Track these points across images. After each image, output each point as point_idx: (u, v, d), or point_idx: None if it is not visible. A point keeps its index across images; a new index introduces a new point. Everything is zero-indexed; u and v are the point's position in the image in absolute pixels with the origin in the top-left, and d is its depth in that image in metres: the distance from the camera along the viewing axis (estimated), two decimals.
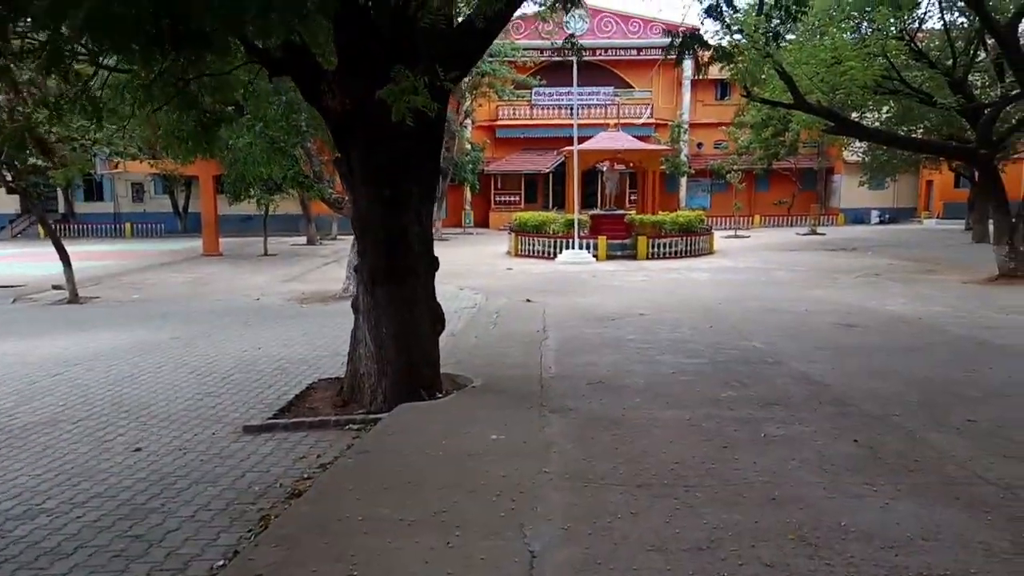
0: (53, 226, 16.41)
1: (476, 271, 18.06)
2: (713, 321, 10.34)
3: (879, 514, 3.79)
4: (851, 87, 14.91)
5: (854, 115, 19.29)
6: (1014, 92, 15.37)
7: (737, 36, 12.65)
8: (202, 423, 6.20)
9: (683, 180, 36.77)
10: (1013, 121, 17.78)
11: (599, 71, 36.06)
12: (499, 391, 6.56)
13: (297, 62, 5.86)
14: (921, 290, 13.41)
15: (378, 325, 6.18)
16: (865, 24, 16.18)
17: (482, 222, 36.53)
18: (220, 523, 4.11)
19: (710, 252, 22.36)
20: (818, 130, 20.59)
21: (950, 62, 16.83)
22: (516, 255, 22.29)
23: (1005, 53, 14.21)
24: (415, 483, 4.22)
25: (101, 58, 4.90)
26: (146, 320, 12.16)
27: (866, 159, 29.65)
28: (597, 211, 24.32)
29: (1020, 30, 14.03)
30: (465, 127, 31.84)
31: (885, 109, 22.25)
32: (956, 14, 18.30)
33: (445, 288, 14.05)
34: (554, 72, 31.64)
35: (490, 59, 27.15)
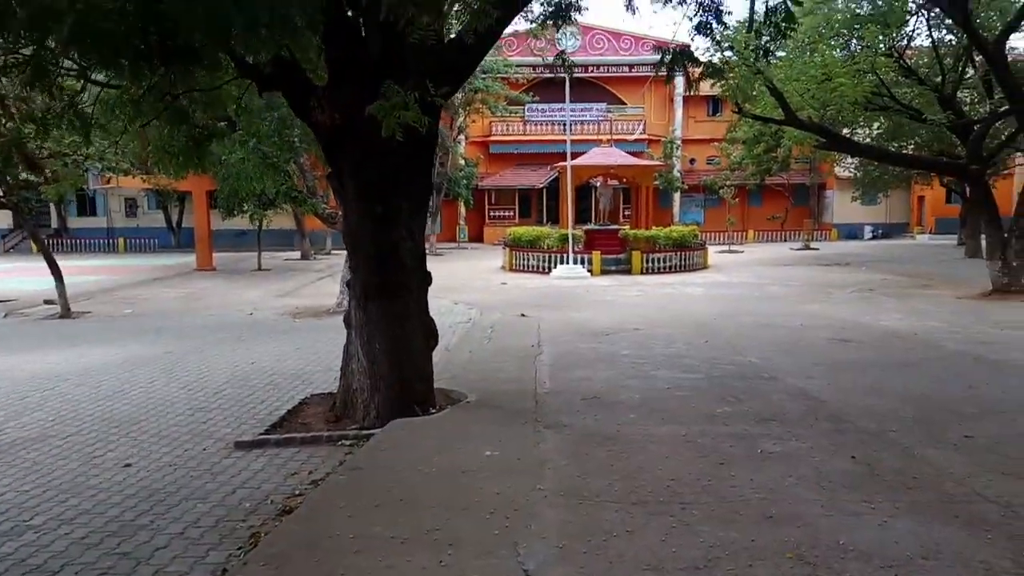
0: (46, 241, 16.34)
1: (470, 286, 18.03)
2: (708, 336, 10.32)
3: (877, 532, 3.75)
4: (842, 103, 15.04)
5: (845, 131, 19.43)
6: (1003, 108, 15.53)
7: (728, 53, 12.77)
8: (193, 439, 6.13)
9: (676, 195, 36.93)
10: (1003, 137, 17.93)
11: (592, 87, 36.32)
12: (493, 406, 6.51)
13: (287, 77, 5.86)
14: (915, 305, 13.43)
15: (371, 340, 6.13)
16: (854, 41, 16.38)
17: (476, 237, 36.56)
18: (209, 540, 4.04)
19: (704, 267, 22.39)
20: (810, 146, 20.77)
21: (939, 79, 17.02)
22: (510, 270, 22.28)
23: (993, 70, 14.37)
24: (408, 500, 4.16)
25: (89, 73, 4.87)
26: (138, 335, 12.06)
27: (858, 175, 29.86)
28: (591, 226, 24.35)
29: (1007, 47, 14.18)
30: (459, 143, 31.96)
31: (876, 125, 22.45)
32: (944, 32, 18.51)
33: (439, 303, 14.03)
34: (547, 88, 31.85)
35: (483, 75, 27.31)
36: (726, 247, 30.27)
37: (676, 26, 33.38)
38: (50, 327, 13.49)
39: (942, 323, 11.28)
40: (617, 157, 24.87)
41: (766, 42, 7.89)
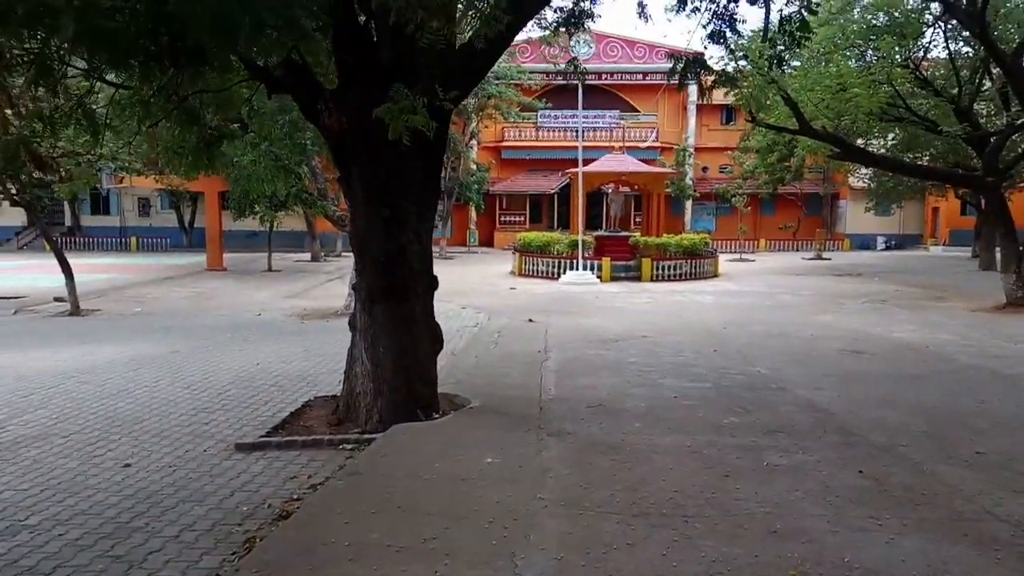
0: (59, 239, 16.46)
1: (479, 290, 17.99)
2: (717, 345, 10.22)
3: (884, 550, 3.66)
4: (856, 113, 14.90)
5: (860, 141, 19.27)
6: (1020, 121, 15.36)
7: (742, 62, 12.68)
8: (194, 439, 6.10)
9: (688, 203, 36.81)
10: (1019, 150, 17.73)
11: (605, 95, 36.27)
12: (497, 412, 6.45)
13: (297, 80, 5.85)
14: (928, 317, 13.26)
15: (375, 344, 6.09)
16: (870, 52, 16.23)
17: (487, 241, 36.54)
18: (204, 544, 4.00)
19: (715, 275, 22.25)
20: (823, 156, 20.60)
21: (955, 90, 16.83)
22: (520, 275, 22.23)
23: (1011, 82, 14.21)
24: (406, 508, 4.11)
25: (99, 73, 4.87)
26: (146, 334, 12.10)
27: (872, 185, 29.62)
28: (602, 232, 24.26)
29: None
30: (471, 147, 31.99)
31: (891, 136, 22.26)
32: (961, 43, 18.32)
33: (447, 307, 14.00)
34: (560, 95, 31.82)
35: (497, 81, 27.34)
36: (737, 256, 30.09)
37: (690, 34, 33.32)
38: (59, 324, 13.56)
39: (955, 336, 11.13)
40: (629, 164, 24.79)
41: (780, 51, 7.83)
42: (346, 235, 23.40)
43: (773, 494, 4.42)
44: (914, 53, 16.94)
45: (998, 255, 17.01)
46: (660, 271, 21.02)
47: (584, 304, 15.40)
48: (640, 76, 36.13)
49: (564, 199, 33.21)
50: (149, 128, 6.24)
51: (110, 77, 5.70)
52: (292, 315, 14.35)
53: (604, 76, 35.62)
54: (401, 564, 3.43)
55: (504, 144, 36.70)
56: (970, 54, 18.33)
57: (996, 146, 15.57)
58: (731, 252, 30.77)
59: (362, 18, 5.95)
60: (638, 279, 20.79)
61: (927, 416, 6.39)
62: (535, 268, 21.94)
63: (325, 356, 9.67)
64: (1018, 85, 13.63)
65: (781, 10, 7.03)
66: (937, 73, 18.86)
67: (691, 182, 36.13)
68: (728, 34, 7.25)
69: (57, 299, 15.66)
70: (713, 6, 7.03)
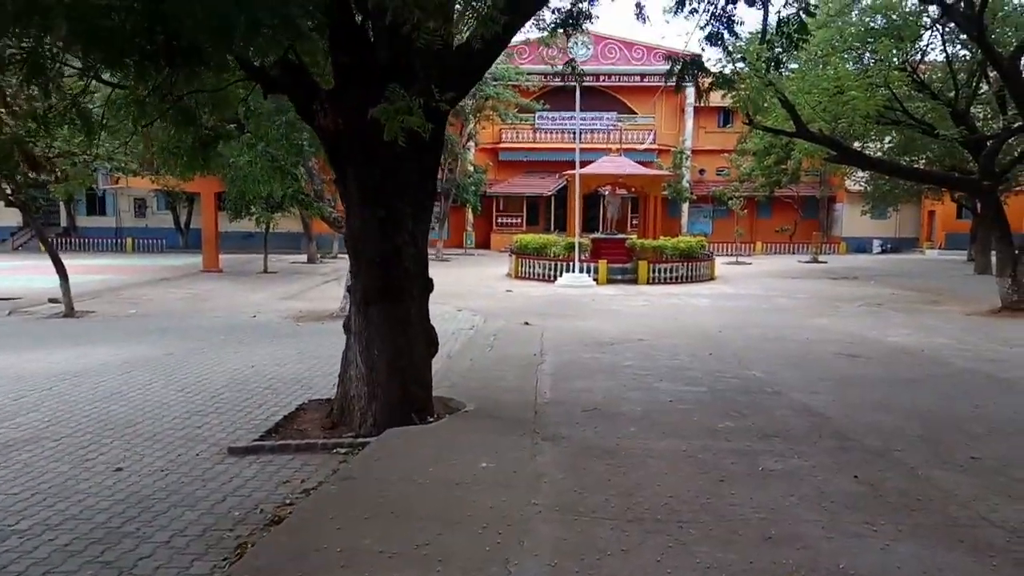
0: (54, 239, 16.36)
1: (476, 292, 17.96)
2: (713, 348, 10.21)
3: (879, 556, 3.65)
4: (853, 116, 14.91)
5: (856, 144, 19.27)
6: (1016, 124, 15.37)
7: (739, 64, 12.68)
8: (187, 443, 6.06)
9: (685, 206, 36.81)
10: (1016, 153, 17.74)
11: (603, 96, 36.27)
12: (492, 416, 6.43)
13: (293, 80, 5.82)
14: (924, 321, 13.27)
15: (370, 347, 6.06)
16: (867, 55, 16.24)
17: (484, 243, 36.51)
18: (195, 550, 3.96)
19: (711, 278, 22.25)
20: (820, 159, 20.60)
21: (952, 94, 16.87)
22: (516, 277, 22.21)
23: (1008, 85, 14.23)
24: (399, 513, 4.07)
25: (93, 72, 4.83)
26: (141, 336, 12.04)
27: (868, 188, 29.66)
28: (598, 235, 24.26)
29: (1022, 63, 14.04)
30: (468, 149, 31.94)
31: (887, 139, 22.28)
32: (958, 47, 18.35)
33: (443, 309, 13.96)
34: (557, 97, 31.81)
35: (494, 82, 27.31)
36: (734, 258, 30.10)
37: (688, 36, 33.35)
38: (53, 326, 13.49)
39: (950, 340, 11.13)
40: (626, 166, 24.80)
41: (778, 53, 7.82)
42: (342, 237, 23.37)
43: (768, 499, 4.40)
44: (911, 56, 16.96)
45: (994, 259, 17.02)
46: (656, 274, 21.01)
47: (580, 307, 15.38)
48: (638, 78, 36.16)
49: (561, 201, 33.19)
50: (144, 128, 6.21)
51: (105, 76, 5.67)
52: (287, 317, 14.30)
53: (602, 78, 35.62)
54: (394, 570, 3.40)
55: (501, 146, 36.69)
56: (967, 57, 18.35)
57: (992, 150, 15.59)
58: (727, 255, 30.78)
59: (359, 18, 5.93)
60: (634, 282, 20.79)
61: (922, 420, 6.38)
62: (531, 270, 21.92)
63: (320, 358, 9.63)
64: (1015, 88, 13.65)
65: (779, 12, 7.03)
66: (934, 76, 18.87)
67: (688, 184, 36.14)
68: (726, 36, 7.24)
69: (52, 300, 15.59)
70: (711, 8, 7.03)
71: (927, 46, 17.89)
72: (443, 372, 8.19)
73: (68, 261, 15.59)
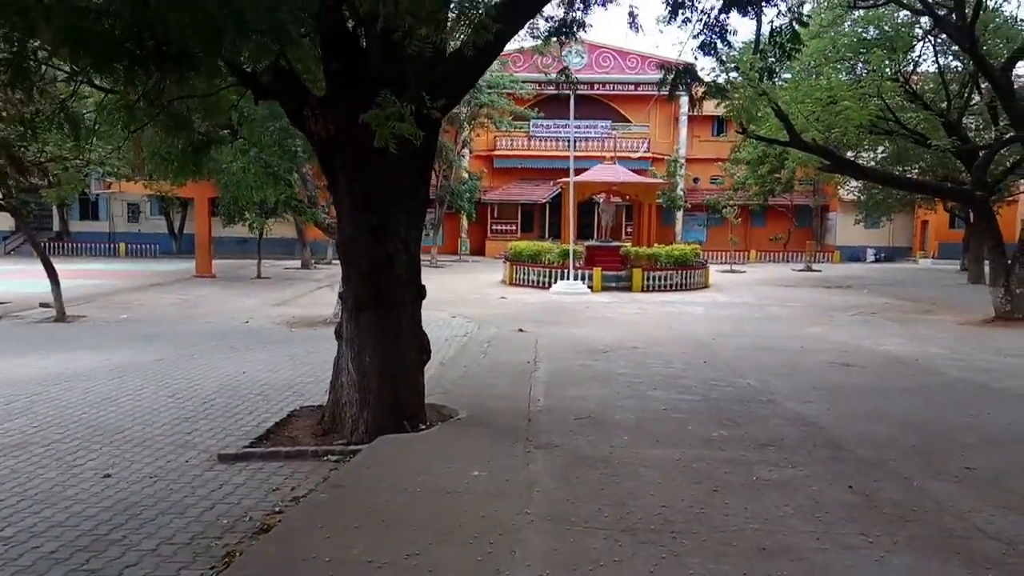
0: (46, 244, 16.25)
1: (469, 299, 17.92)
2: (707, 356, 10.20)
3: (874, 568, 3.62)
4: (847, 126, 14.99)
5: (850, 154, 19.38)
6: (1008, 135, 15.47)
7: (733, 74, 12.73)
8: (176, 449, 5.99)
9: (679, 214, 36.92)
10: (1008, 164, 17.86)
11: (597, 105, 36.39)
12: (484, 424, 6.38)
13: (284, 86, 5.79)
14: (917, 330, 13.29)
15: (361, 354, 6.02)
16: (860, 65, 16.34)
17: (478, 250, 36.50)
18: (182, 558, 3.90)
19: (705, 286, 22.27)
20: (814, 168, 20.70)
21: (944, 104, 16.98)
22: (511, 284, 22.18)
23: (999, 96, 14.33)
24: (389, 522, 4.02)
25: (81, 77, 4.79)
26: (132, 341, 11.95)
27: (862, 198, 29.79)
28: (593, 242, 24.26)
29: (1014, 74, 14.15)
30: (463, 156, 31.98)
31: (880, 149, 22.39)
32: (950, 58, 18.50)
33: (437, 316, 13.92)
34: (552, 105, 31.90)
35: (489, 90, 27.37)
36: (728, 267, 30.17)
37: (682, 45, 33.53)
38: (44, 331, 13.38)
39: (944, 349, 11.14)
40: (620, 174, 24.84)
41: (771, 63, 7.85)
42: (336, 243, 23.36)
43: (762, 510, 4.37)
44: (904, 67, 17.08)
45: (986, 268, 17.10)
46: (651, 281, 21.02)
47: (574, 314, 15.36)
48: (632, 87, 36.28)
49: (556, 208, 33.23)
50: (134, 133, 6.17)
51: (95, 81, 5.63)
52: (280, 323, 14.23)
53: (596, 86, 35.75)
54: None
55: (496, 153, 36.73)
56: (959, 68, 18.50)
57: (985, 160, 15.68)
58: (721, 263, 30.85)
59: (351, 24, 5.91)
60: (629, 289, 20.79)
61: (916, 430, 6.37)
62: (526, 277, 21.90)
63: (312, 365, 9.57)
64: (1007, 99, 13.75)
65: (772, 22, 7.06)
66: (927, 87, 19.01)
67: (682, 193, 36.27)
68: (719, 45, 7.26)
69: (43, 305, 15.47)
70: (704, 17, 7.04)
71: (919, 57, 18.06)
72: (436, 379, 8.14)
73: (60, 266, 15.49)
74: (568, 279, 20.50)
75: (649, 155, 35.72)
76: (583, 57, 34.53)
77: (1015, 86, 14.32)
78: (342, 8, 5.59)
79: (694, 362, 9.72)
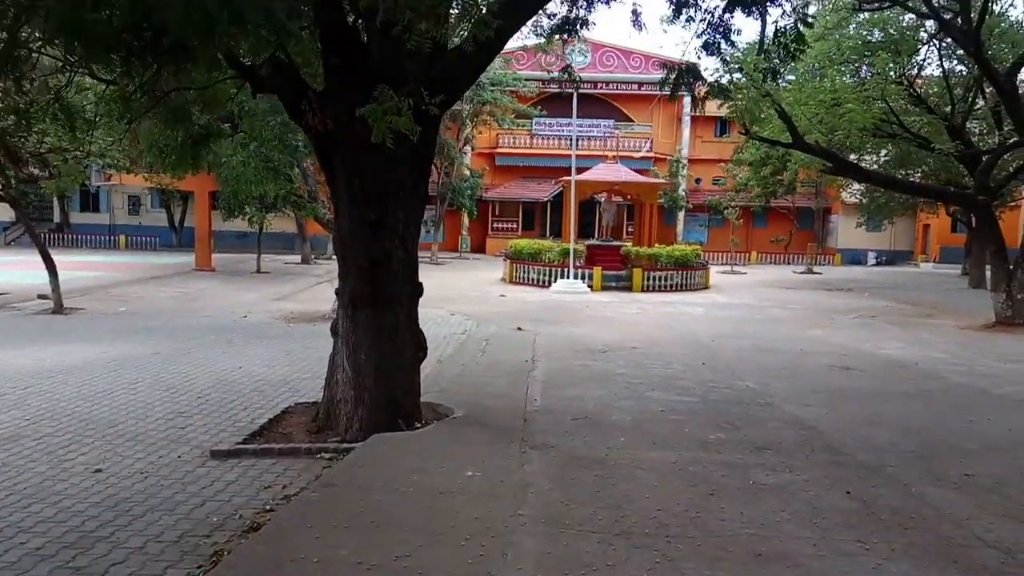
0: (46, 235, 16.20)
1: (469, 297, 17.87)
2: (706, 358, 10.14)
3: None
4: (850, 129, 14.91)
5: (852, 157, 19.30)
6: (1012, 140, 15.39)
7: (737, 75, 12.67)
8: (169, 445, 5.94)
9: (681, 214, 36.87)
10: (1011, 169, 17.77)
11: (600, 104, 36.32)
12: (480, 423, 6.33)
13: (283, 79, 5.73)
14: (918, 334, 13.23)
15: (357, 351, 5.96)
16: (864, 68, 16.26)
17: (479, 248, 36.45)
18: (170, 557, 3.85)
19: (705, 287, 22.21)
20: (816, 170, 20.64)
21: (948, 108, 16.90)
22: (511, 282, 22.13)
23: (1004, 101, 14.25)
24: (380, 523, 3.97)
25: (77, 67, 4.74)
26: (129, 334, 11.90)
27: (864, 201, 29.72)
28: (593, 241, 24.21)
29: (1018, 79, 14.07)
30: (465, 153, 31.91)
31: (883, 152, 22.32)
32: (955, 62, 18.41)
33: (436, 313, 13.87)
34: (555, 103, 31.82)
35: (492, 87, 27.31)
36: (729, 268, 30.11)
37: (686, 45, 33.49)
38: (41, 322, 13.34)
39: (944, 354, 11.09)
40: (622, 174, 24.78)
41: (775, 64, 7.78)
42: None
43: (759, 515, 4.32)
44: (908, 70, 16.99)
45: (988, 273, 17.03)
46: (651, 282, 20.97)
47: (574, 313, 15.30)
48: (635, 86, 36.21)
49: (557, 207, 33.17)
50: (131, 125, 6.12)
51: (92, 72, 5.57)
52: (278, 318, 14.18)
53: (599, 85, 35.68)
54: None
55: (498, 151, 36.67)
56: (964, 72, 18.41)
57: (988, 165, 15.61)
58: (722, 264, 30.78)
59: (351, 19, 5.85)
60: (629, 289, 20.73)
61: (916, 436, 6.32)
62: (526, 276, 21.85)
63: (309, 361, 9.52)
64: (1011, 104, 13.67)
65: (776, 22, 6.99)
66: (931, 91, 18.91)
67: (684, 193, 36.22)
68: (723, 45, 7.20)
69: (41, 296, 15.42)
70: (708, 17, 6.98)
71: (924, 60, 17.96)
72: (433, 377, 8.10)
73: (60, 257, 15.44)
74: (568, 278, 20.44)
75: (651, 155, 35.67)
76: (586, 56, 34.46)
77: (1020, 91, 14.23)
78: (342, 2, 5.54)
79: (693, 363, 9.67)
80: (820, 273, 29.84)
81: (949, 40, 15.98)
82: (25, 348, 10.39)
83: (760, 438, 6.07)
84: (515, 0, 5.90)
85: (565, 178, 24.64)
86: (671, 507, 4.39)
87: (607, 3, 7.29)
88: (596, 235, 25.83)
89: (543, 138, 36.14)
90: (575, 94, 19.59)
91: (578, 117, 22.21)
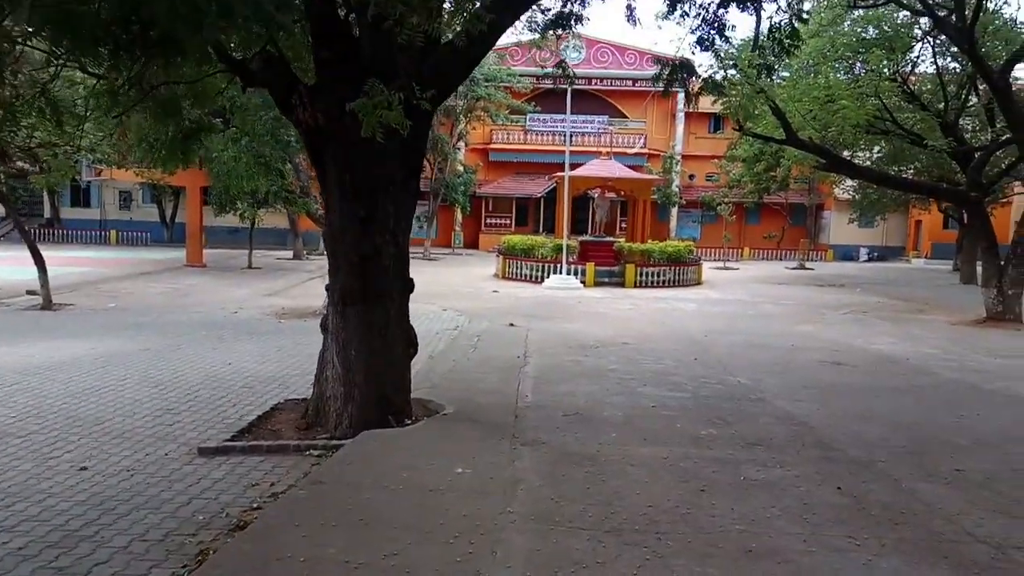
0: (36, 230, 16.05)
1: (462, 292, 17.82)
2: (698, 353, 10.13)
3: (862, 572, 3.55)
4: (843, 125, 14.93)
5: (846, 153, 19.32)
6: (1004, 137, 15.43)
7: (731, 71, 12.64)
8: (156, 442, 5.89)
9: (674, 210, 36.86)
10: (1003, 165, 17.84)
11: (594, 100, 36.27)
12: (471, 420, 6.30)
13: (272, 73, 5.67)
14: (909, 330, 13.26)
15: (347, 347, 5.92)
16: (859, 65, 16.27)
17: (472, 243, 36.37)
18: (155, 556, 3.80)
19: (698, 283, 22.22)
20: (809, 166, 20.65)
21: (942, 105, 16.94)
22: (503, 278, 22.09)
23: (997, 98, 14.28)
24: (369, 520, 3.93)
25: (63, 60, 4.66)
26: (118, 330, 11.81)
27: (856, 197, 29.79)
28: (587, 237, 24.18)
29: (1012, 76, 14.09)
30: (458, 148, 31.82)
31: (876, 149, 22.37)
32: (948, 59, 18.45)
33: (428, 308, 13.83)
34: (549, 99, 31.75)
35: (486, 83, 27.22)
36: (721, 264, 30.15)
37: (681, 42, 33.40)
38: (29, 318, 13.22)
39: (935, 349, 11.11)
40: (616, 169, 24.75)
41: (770, 60, 7.76)
42: None
43: (749, 511, 4.30)
44: (902, 67, 17.03)
45: (979, 269, 17.08)
46: (644, 277, 20.97)
47: (567, 309, 15.28)
48: (630, 82, 36.15)
49: (550, 203, 33.11)
50: (118, 118, 6.04)
51: (77, 65, 5.50)
52: (270, 314, 14.10)
53: (594, 81, 35.62)
54: None
55: (492, 146, 36.57)
56: (957, 70, 18.45)
57: (980, 162, 15.65)
58: (715, 260, 30.82)
59: (343, 12, 5.80)
60: (622, 285, 20.72)
61: (906, 431, 6.32)
62: (519, 271, 21.82)
63: (300, 357, 9.46)
64: (1004, 101, 13.69)
65: (771, 18, 6.97)
66: (924, 88, 18.97)
67: (677, 189, 36.19)
68: (717, 41, 7.17)
69: (30, 292, 15.28)
70: (702, 12, 6.95)
71: (918, 58, 18.02)
72: (424, 373, 8.06)
73: (50, 253, 15.29)
74: (561, 274, 20.42)
75: (645, 151, 35.63)
76: (581, 52, 34.41)
77: (1013, 88, 14.25)
78: None
79: (685, 359, 9.66)
80: (812, 269, 29.91)
81: (943, 37, 16.00)
82: (13, 344, 10.29)
83: (751, 434, 6.06)
84: None
85: (559, 174, 24.59)
86: (662, 503, 4.37)
87: None
88: (589, 231, 25.78)
89: (537, 134, 36.06)
90: (569, 90, 19.52)
91: (572, 113, 22.19)
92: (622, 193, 26.49)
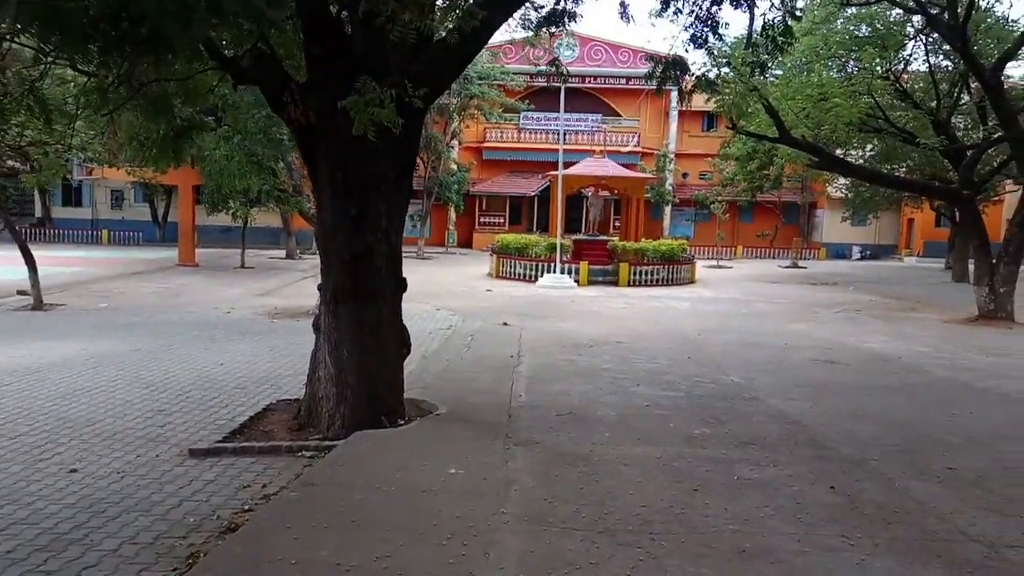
0: (26, 230, 15.93)
1: (455, 291, 17.78)
2: (691, 352, 10.14)
3: (855, 572, 3.55)
4: (836, 123, 14.94)
5: (839, 151, 19.37)
6: (996, 135, 15.49)
7: (724, 69, 12.65)
8: (147, 443, 5.84)
9: (667, 209, 36.90)
10: (995, 164, 17.91)
11: (588, 98, 36.25)
12: (464, 420, 6.28)
13: (264, 71, 5.63)
14: (902, 328, 13.31)
15: (339, 347, 5.89)
16: (851, 63, 16.31)
17: (466, 242, 36.33)
18: (144, 559, 3.77)
19: (691, 281, 22.25)
20: (802, 165, 20.70)
21: (934, 103, 16.98)
22: (497, 277, 22.07)
23: (989, 97, 14.33)
24: (360, 522, 3.91)
25: (51, 57, 4.61)
26: (109, 330, 11.73)
27: (849, 195, 29.87)
28: (580, 236, 24.17)
29: (1003, 75, 14.15)
30: (452, 147, 31.75)
31: (869, 147, 22.42)
32: (941, 57, 18.52)
33: (421, 308, 13.79)
34: (542, 97, 31.69)
35: (479, 81, 27.17)
36: (715, 262, 30.19)
37: (674, 40, 33.40)
38: (20, 319, 13.13)
39: (928, 347, 11.15)
40: (609, 168, 24.73)
41: (763, 57, 7.76)
42: None
43: (743, 510, 4.30)
44: (895, 65, 17.06)
45: (971, 267, 17.16)
46: (637, 276, 20.97)
47: (560, 308, 15.27)
48: (623, 80, 36.15)
49: (544, 202, 33.10)
50: (108, 116, 5.99)
51: (66, 63, 5.44)
52: (262, 313, 14.04)
53: (587, 79, 35.59)
54: None
55: (485, 145, 36.52)
56: (949, 68, 18.51)
57: (972, 160, 15.70)
58: (708, 258, 30.85)
59: (335, 9, 5.76)
60: (615, 284, 20.73)
61: (899, 429, 6.33)
62: (513, 270, 21.80)
63: (293, 357, 9.41)
64: (996, 99, 13.74)
65: (764, 15, 6.96)
66: (917, 86, 19.01)
67: (671, 188, 36.23)
68: (710, 39, 7.16)
69: (20, 292, 15.17)
70: (696, 9, 6.94)
71: (910, 56, 18.06)
72: (417, 373, 8.03)
73: (41, 253, 15.19)
74: (555, 273, 20.41)
75: (638, 149, 35.66)
76: (574, 50, 34.39)
77: (1005, 86, 14.31)
78: None
79: (678, 358, 9.66)
80: (805, 267, 30.00)
81: (935, 35, 16.05)
82: (2, 345, 10.21)
83: (745, 433, 6.06)
84: None
85: (552, 172, 24.58)
86: (655, 503, 4.36)
87: None
88: (583, 230, 25.79)
89: (530, 132, 36.02)
90: (562, 88, 19.52)
91: (566, 111, 22.15)
92: (616, 192, 26.48)
